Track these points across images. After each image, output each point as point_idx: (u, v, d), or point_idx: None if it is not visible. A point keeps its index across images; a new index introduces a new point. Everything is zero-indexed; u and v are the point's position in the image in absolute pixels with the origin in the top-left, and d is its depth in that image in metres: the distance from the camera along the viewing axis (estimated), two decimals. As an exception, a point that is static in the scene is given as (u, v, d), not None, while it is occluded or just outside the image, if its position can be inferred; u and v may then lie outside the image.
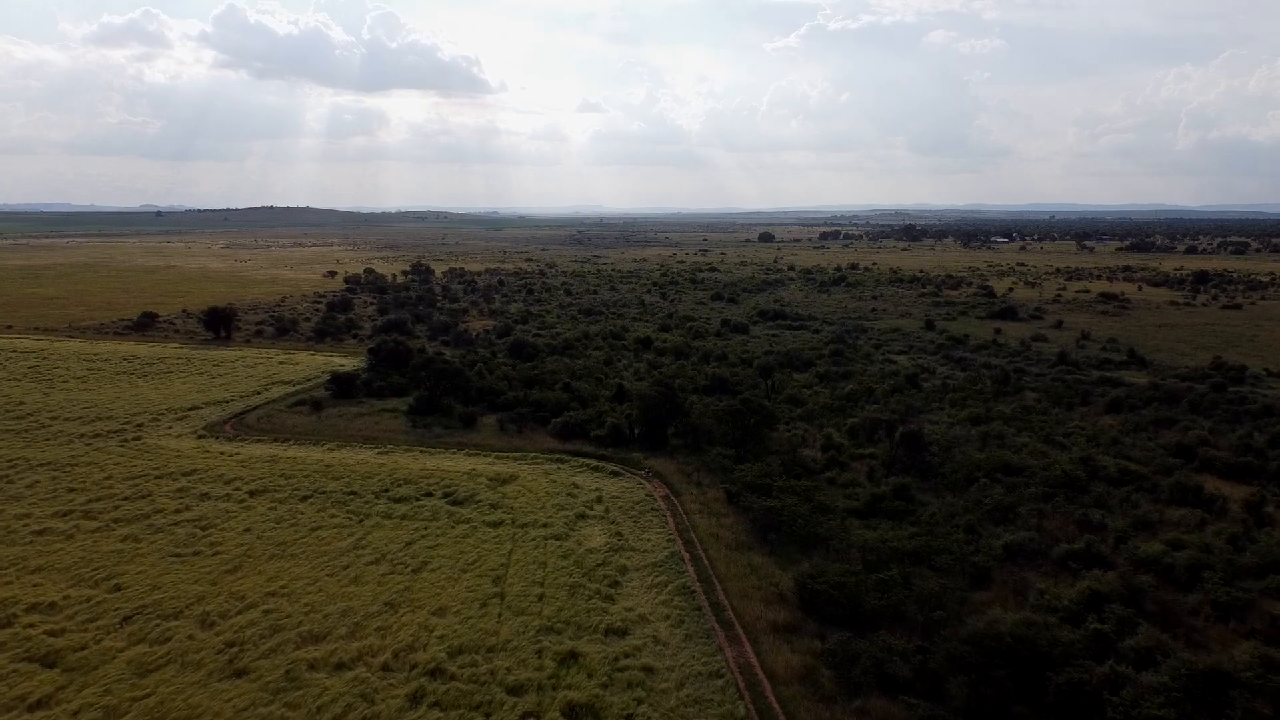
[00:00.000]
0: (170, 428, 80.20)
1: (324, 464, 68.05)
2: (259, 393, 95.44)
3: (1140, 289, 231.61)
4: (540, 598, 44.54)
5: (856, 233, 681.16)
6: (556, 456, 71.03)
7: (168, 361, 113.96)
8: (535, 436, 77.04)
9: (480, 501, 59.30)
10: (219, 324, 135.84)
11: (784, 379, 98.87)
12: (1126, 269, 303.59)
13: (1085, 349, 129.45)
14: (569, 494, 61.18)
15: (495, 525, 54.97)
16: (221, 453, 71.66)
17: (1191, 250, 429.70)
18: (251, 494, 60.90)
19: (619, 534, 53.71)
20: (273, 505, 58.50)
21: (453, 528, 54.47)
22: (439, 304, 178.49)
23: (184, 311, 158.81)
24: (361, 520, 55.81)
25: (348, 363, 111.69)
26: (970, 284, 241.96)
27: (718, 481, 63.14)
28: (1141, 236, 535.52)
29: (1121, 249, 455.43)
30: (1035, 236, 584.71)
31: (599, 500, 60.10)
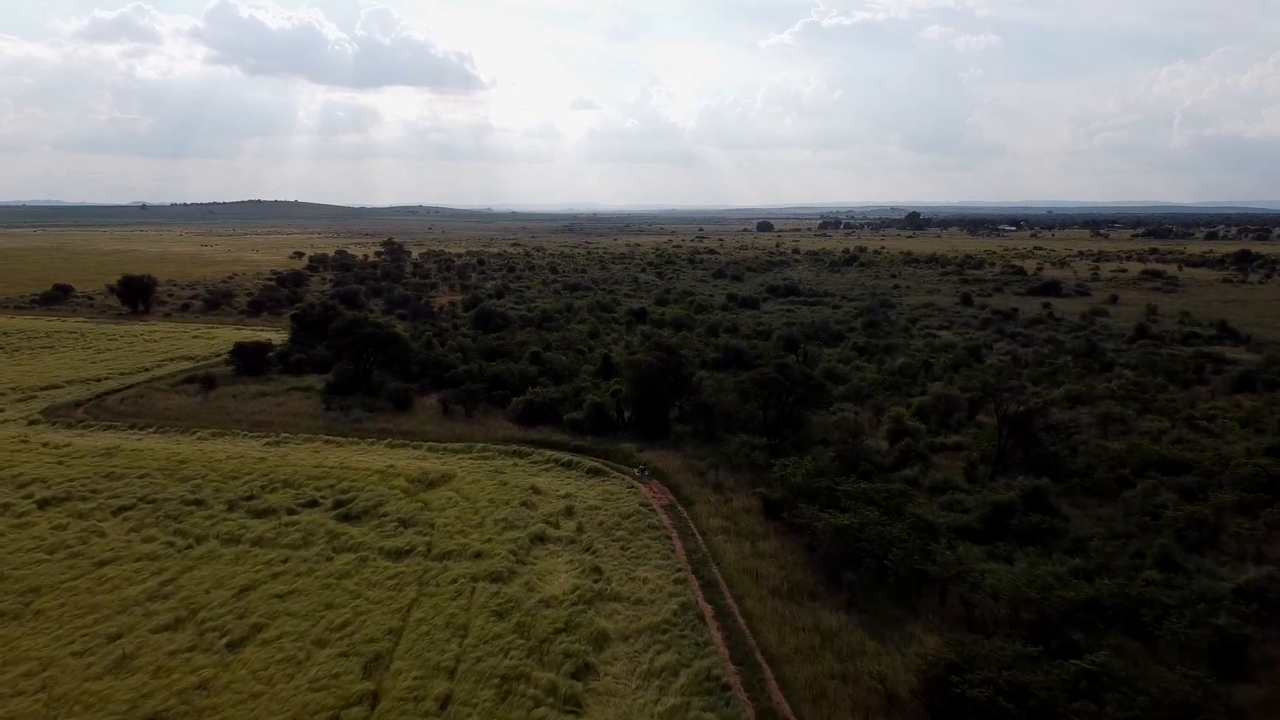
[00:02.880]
0: (1, 411, 59.53)
1: (178, 459, 47.41)
2: (147, 370, 74.74)
3: (1180, 269, 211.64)
4: (443, 703, 24.04)
5: (857, 223, 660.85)
6: (514, 448, 50.52)
7: (56, 336, 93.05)
8: (489, 421, 56.54)
9: (386, 516, 38.73)
10: (135, 296, 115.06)
11: (815, 352, 78.37)
12: (1154, 251, 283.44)
13: (1159, 324, 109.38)
14: (524, 503, 40.61)
15: (398, 556, 34.41)
16: (45, 444, 50.93)
17: (1212, 236, 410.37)
18: (43, 504, 40.21)
19: (596, 570, 33.19)
20: (63, 523, 37.82)
21: (329, 560, 33.91)
22: (406, 280, 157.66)
23: (107, 287, 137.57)
24: (189, 547, 35.21)
25: (277, 337, 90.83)
26: (993, 264, 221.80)
27: (747, 483, 42.79)
28: (1156, 224, 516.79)
29: (1137, 236, 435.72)
30: (1044, 226, 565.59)
31: (569, 513, 39.63)
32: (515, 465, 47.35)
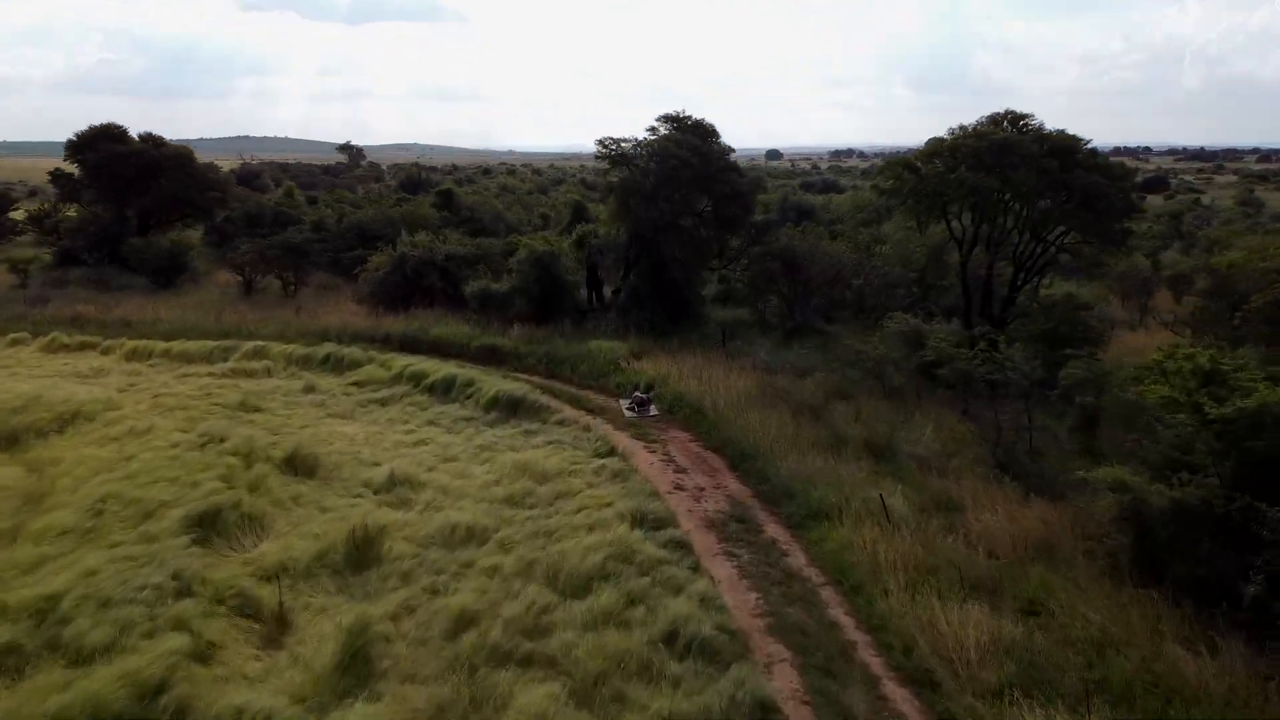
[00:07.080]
0: None
1: None
2: None
3: (1267, 179, 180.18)
4: None
5: (871, 156, 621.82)
6: (331, 351, 21.09)
7: None
8: (325, 306, 27.16)
9: None
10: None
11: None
12: (1220, 168, 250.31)
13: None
14: (195, 530, 11.24)
15: None
16: None
17: (1265, 160, 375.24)
18: None
19: None
20: None
21: None
22: (350, 175, 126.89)
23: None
24: None
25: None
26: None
27: (977, 439, 13.47)
28: (1198, 150, 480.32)
29: (1180, 160, 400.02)
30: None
31: (382, 555, 10.36)
32: (306, 394, 17.96)
